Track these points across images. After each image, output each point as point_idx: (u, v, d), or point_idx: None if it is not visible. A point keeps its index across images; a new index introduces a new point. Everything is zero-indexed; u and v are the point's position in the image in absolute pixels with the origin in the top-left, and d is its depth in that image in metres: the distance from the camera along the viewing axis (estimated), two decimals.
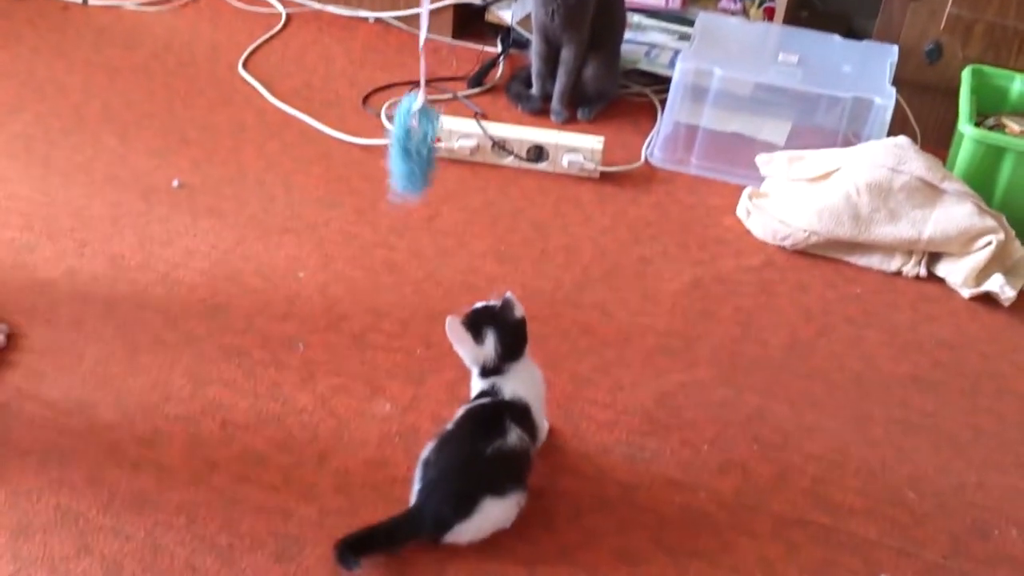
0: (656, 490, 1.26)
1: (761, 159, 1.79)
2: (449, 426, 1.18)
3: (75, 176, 1.74)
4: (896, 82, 1.82)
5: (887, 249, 1.66)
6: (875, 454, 1.34)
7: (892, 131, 1.76)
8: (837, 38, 1.94)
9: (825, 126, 1.86)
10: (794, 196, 1.72)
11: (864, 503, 1.27)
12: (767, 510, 1.25)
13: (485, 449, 1.13)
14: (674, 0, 2.13)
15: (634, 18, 2.10)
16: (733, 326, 1.54)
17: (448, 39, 2.25)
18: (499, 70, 2.14)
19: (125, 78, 2.03)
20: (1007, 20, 1.82)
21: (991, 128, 1.76)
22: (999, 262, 1.61)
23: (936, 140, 1.91)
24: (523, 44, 2.13)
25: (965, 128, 1.68)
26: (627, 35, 2.07)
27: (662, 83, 2.05)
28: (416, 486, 1.16)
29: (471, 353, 1.20)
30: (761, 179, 1.81)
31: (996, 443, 1.38)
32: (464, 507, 1.13)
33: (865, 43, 1.93)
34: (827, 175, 1.69)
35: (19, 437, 1.26)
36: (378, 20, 2.29)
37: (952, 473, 1.32)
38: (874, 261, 1.67)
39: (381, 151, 1.88)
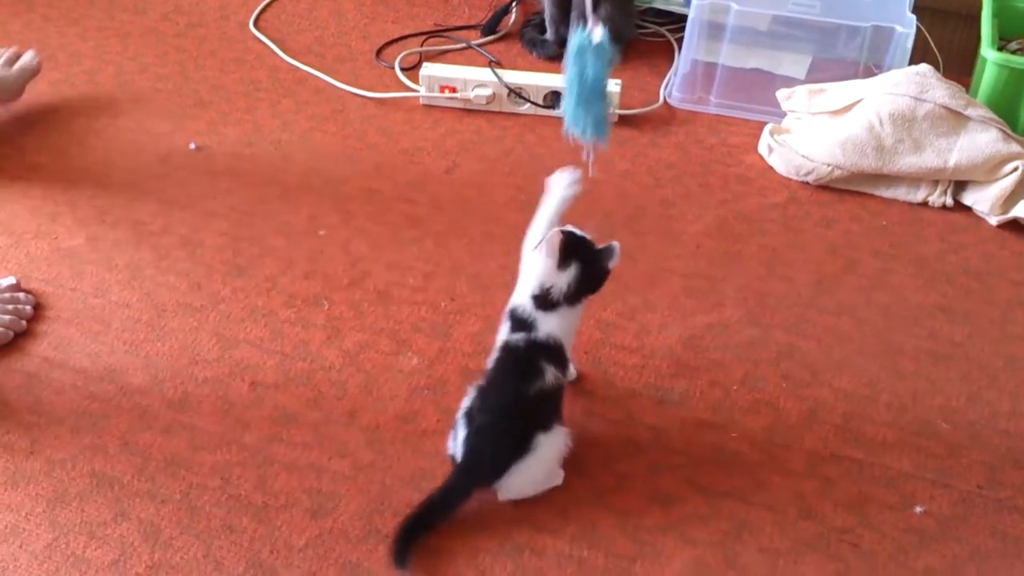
0: (687, 432, 1.26)
1: (782, 94, 1.75)
2: (488, 370, 1.17)
3: (91, 143, 1.74)
4: (916, 9, 1.77)
5: (912, 180, 1.63)
6: (906, 387, 1.33)
7: (913, 59, 1.72)
8: None
9: (846, 57, 1.82)
10: (816, 130, 1.69)
11: (897, 436, 1.26)
12: (799, 447, 1.25)
13: (528, 391, 1.13)
14: None
15: None
16: (758, 265, 1.52)
17: None
18: (512, 17, 2.11)
19: (137, 42, 2.02)
20: None
21: (1014, 52, 1.72)
22: None
23: (959, 67, 1.87)
24: None
25: (988, 53, 1.64)
26: None
27: (678, 22, 2.02)
28: (461, 435, 1.13)
29: (548, 273, 1.14)
30: (782, 115, 1.78)
31: None
32: (519, 446, 1.12)
33: None
34: (849, 107, 1.66)
35: (50, 406, 1.27)
36: None
37: (984, 402, 1.31)
38: (899, 192, 1.64)
39: (396, 104, 1.88)
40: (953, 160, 1.58)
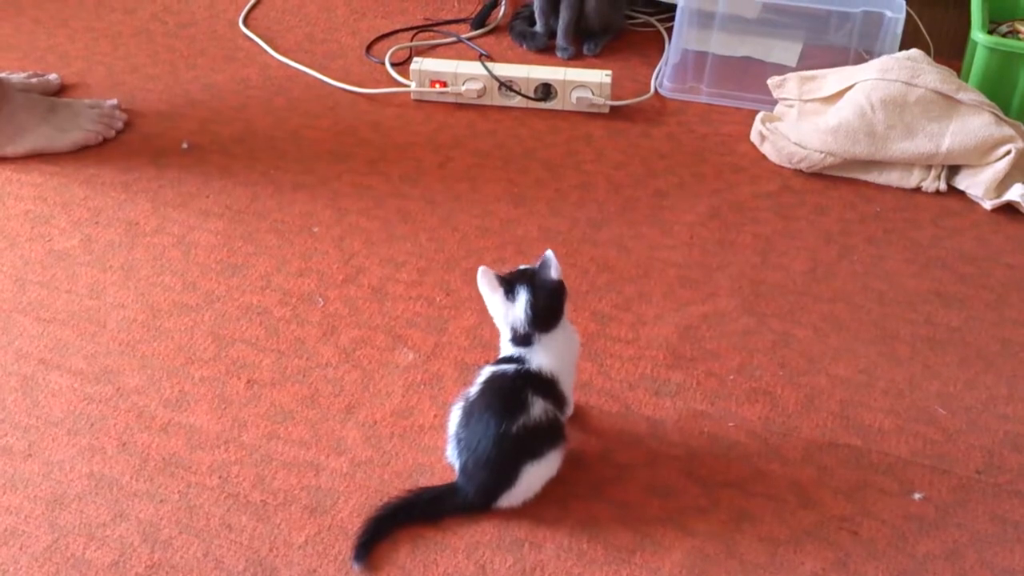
0: (684, 423, 1.26)
1: (773, 81, 1.75)
2: (471, 393, 1.12)
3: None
4: None
5: (905, 165, 1.63)
6: (903, 373, 1.33)
7: (904, 44, 1.72)
8: None
9: (836, 44, 1.82)
10: (808, 118, 1.69)
11: (894, 423, 1.27)
12: (797, 435, 1.25)
13: (511, 427, 1.08)
14: None
15: None
16: (752, 254, 1.52)
17: None
18: (501, 10, 2.11)
19: (127, 43, 2.02)
20: None
21: (1004, 35, 1.72)
22: (1019, 171, 1.58)
23: (950, 51, 1.87)
24: None
25: (978, 36, 1.64)
26: None
27: (668, 11, 2.01)
28: (454, 461, 1.13)
29: (500, 310, 1.11)
30: (774, 102, 1.77)
31: None
32: (506, 478, 1.10)
33: None
34: (840, 94, 1.66)
35: (47, 408, 1.27)
36: None
37: (981, 387, 1.32)
38: (892, 178, 1.64)
39: (387, 100, 1.87)
40: (945, 145, 1.58)
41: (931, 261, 1.51)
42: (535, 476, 1.12)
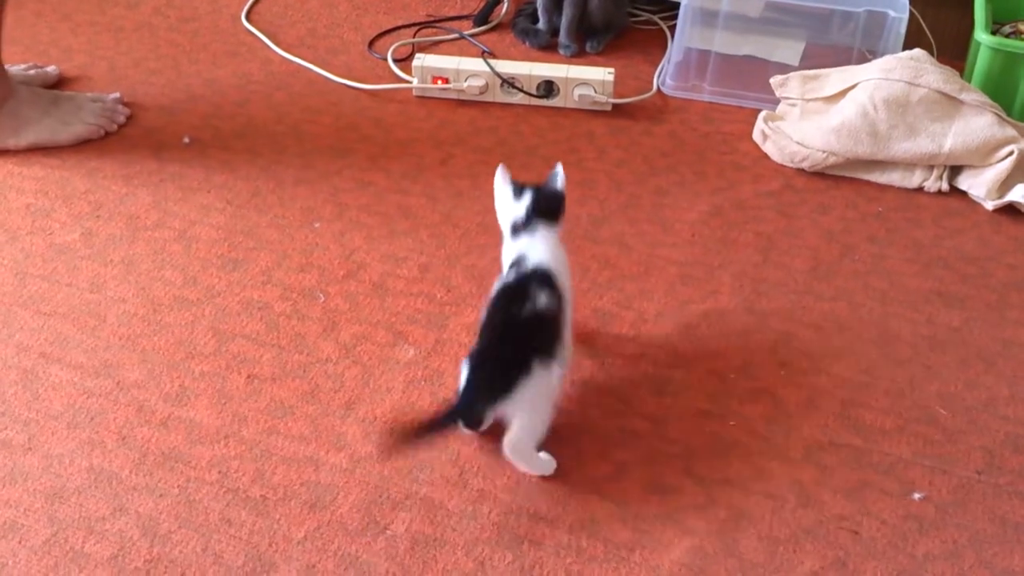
0: (685, 421, 1.26)
1: (775, 80, 1.75)
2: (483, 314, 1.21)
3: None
4: None
5: (907, 165, 1.63)
6: (904, 373, 1.33)
7: (907, 44, 1.72)
8: None
9: (839, 43, 1.82)
10: (810, 117, 1.69)
11: (895, 423, 1.26)
12: (798, 435, 1.25)
13: (520, 313, 1.15)
14: None
15: None
16: (754, 252, 1.52)
17: None
18: (504, 6, 2.10)
19: (129, 37, 2.02)
20: None
21: (1008, 35, 1.72)
22: (1022, 172, 1.58)
23: (953, 51, 1.86)
24: None
25: (981, 36, 1.64)
26: None
27: (671, 9, 2.01)
28: (464, 373, 1.16)
29: (507, 207, 1.26)
30: (776, 101, 1.77)
31: None
32: (520, 365, 1.11)
33: None
34: (843, 93, 1.66)
35: (47, 402, 1.27)
36: None
37: (982, 387, 1.31)
38: (895, 178, 1.64)
39: (389, 96, 1.87)
40: (948, 145, 1.58)
41: (932, 261, 1.51)
42: (543, 383, 1.13)
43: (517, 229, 1.24)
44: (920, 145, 1.59)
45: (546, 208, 1.24)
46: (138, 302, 1.41)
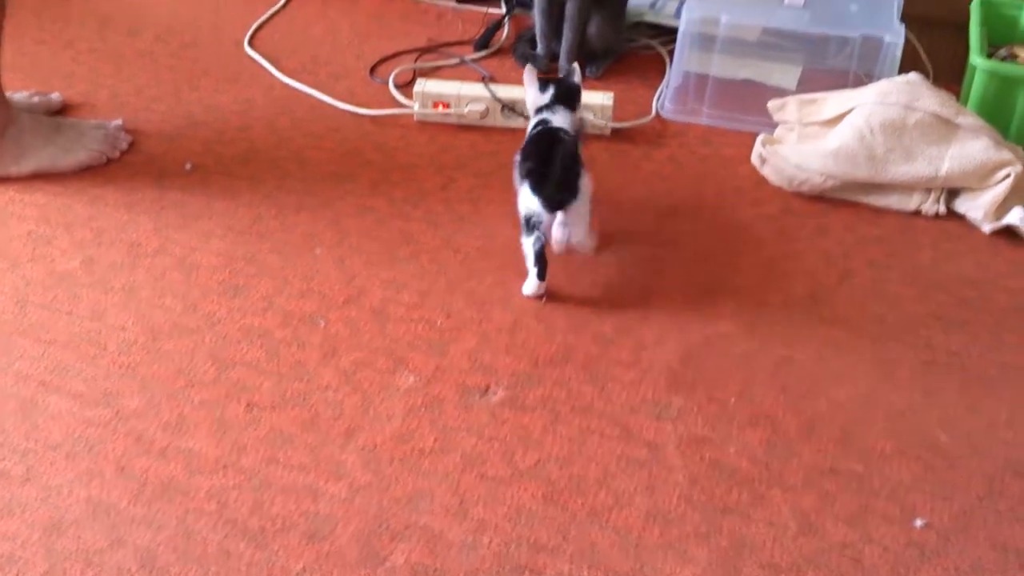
0: (685, 448, 1.26)
1: (773, 105, 1.76)
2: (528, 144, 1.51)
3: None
4: (905, 18, 1.77)
5: (905, 188, 1.63)
6: (903, 397, 1.33)
7: (903, 68, 1.73)
8: None
9: (836, 67, 1.83)
10: (808, 140, 1.69)
11: (896, 448, 1.26)
12: (799, 461, 1.25)
13: (563, 142, 1.47)
14: None
15: None
16: (754, 276, 1.52)
17: (452, 3, 2.23)
18: (504, 32, 2.12)
19: (131, 64, 2.03)
20: None
21: (1003, 59, 1.73)
22: (1018, 195, 1.58)
23: (949, 75, 1.87)
24: (527, 4, 2.10)
25: (977, 60, 1.65)
26: None
27: (669, 34, 2.02)
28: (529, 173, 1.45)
29: (533, 97, 1.56)
30: (774, 125, 1.78)
31: None
32: (577, 176, 1.45)
33: None
34: (840, 117, 1.67)
35: (46, 432, 1.27)
36: None
37: (982, 412, 1.31)
38: (892, 201, 1.64)
39: (391, 121, 1.88)
40: (945, 168, 1.59)
41: (931, 285, 1.51)
42: (588, 188, 1.46)
43: (542, 110, 1.54)
44: (917, 168, 1.60)
45: (566, 95, 1.55)
46: (138, 330, 1.42)
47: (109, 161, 1.73)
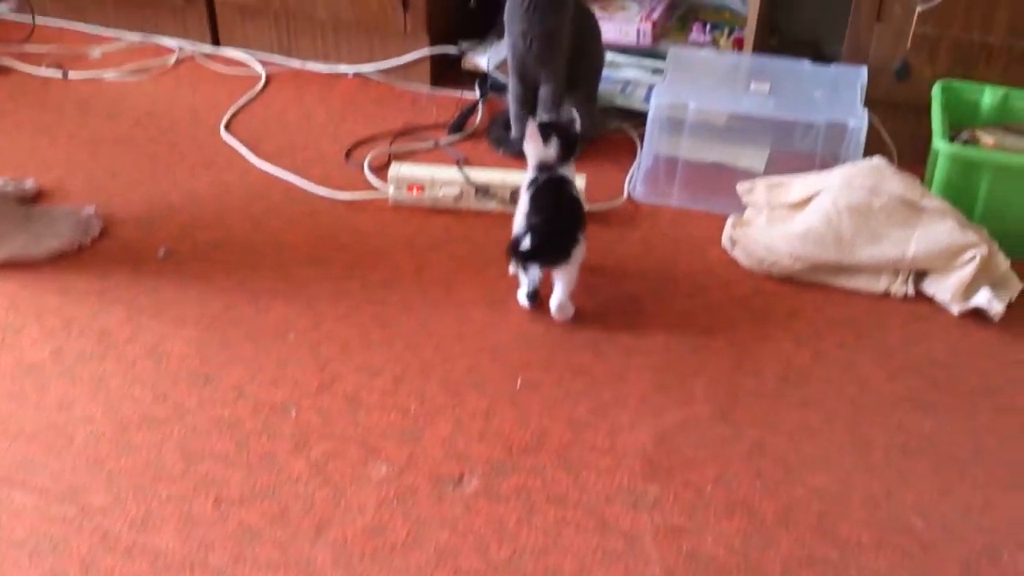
0: (661, 538, 1.25)
1: (742, 187, 1.79)
2: (526, 195, 1.59)
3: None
4: (868, 103, 1.82)
5: (873, 270, 1.65)
6: (878, 482, 1.33)
7: (868, 150, 1.76)
8: (807, 64, 1.94)
9: (802, 150, 1.86)
10: (777, 223, 1.72)
11: (872, 535, 1.26)
12: (776, 550, 1.23)
13: (572, 192, 1.59)
14: (645, 37, 2.15)
15: (608, 56, 2.11)
16: (727, 359, 1.53)
17: (427, 88, 2.27)
18: (478, 115, 2.15)
19: (108, 149, 2.04)
20: (972, 35, 1.82)
21: (965, 142, 1.76)
22: (985, 276, 1.60)
23: (913, 157, 1.91)
24: (500, 88, 2.13)
25: (939, 144, 1.69)
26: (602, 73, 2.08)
27: (640, 117, 2.06)
28: (527, 221, 1.56)
29: (537, 151, 1.58)
30: (743, 207, 1.81)
31: (998, 462, 1.36)
32: (573, 237, 1.54)
33: (834, 66, 1.93)
34: (807, 200, 1.69)
35: (9, 529, 1.24)
36: (357, 74, 2.31)
37: (957, 496, 1.31)
38: (861, 283, 1.66)
39: (366, 204, 1.89)
40: (912, 250, 1.61)
41: (902, 366, 1.52)
42: (581, 250, 1.56)
43: (545, 168, 1.59)
44: (884, 251, 1.62)
45: (571, 149, 1.61)
46: (106, 422, 1.40)
47: (82, 248, 1.73)
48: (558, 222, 1.55)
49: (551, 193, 1.58)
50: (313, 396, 1.45)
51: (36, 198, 1.87)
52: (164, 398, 1.44)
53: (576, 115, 1.62)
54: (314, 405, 1.43)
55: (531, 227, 1.54)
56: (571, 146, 1.60)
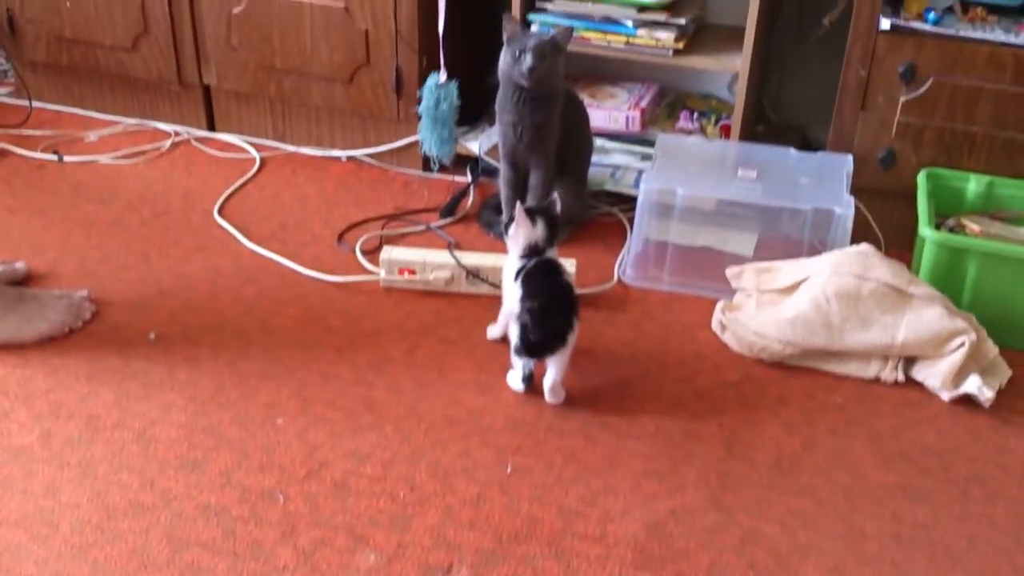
0: None
1: (731, 272, 1.81)
2: (518, 280, 1.60)
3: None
4: (854, 190, 1.85)
5: (863, 356, 1.66)
6: (871, 572, 1.31)
7: (855, 236, 1.79)
8: (792, 151, 1.99)
9: (790, 235, 1.89)
10: (766, 308, 1.73)
11: None
12: None
13: (566, 279, 1.62)
14: (634, 123, 2.19)
15: (597, 142, 2.16)
16: (718, 445, 1.53)
17: (419, 172, 2.30)
18: (470, 199, 2.18)
19: (101, 232, 2.05)
20: (955, 124, 1.87)
21: (951, 230, 1.79)
22: (975, 362, 1.61)
23: (900, 243, 1.94)
24: (492, 172, 2.17)
25: (925, 232, 1.71)
26: (592, 158, 2.11)
27: (629, 202, 2.09)
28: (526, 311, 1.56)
29: (526, 234, 1.61)
30: (733, 291, 1.82)
31: (991, 550, 1.35)
32: (569, 322, 1.57)
33: (820, 154, 1.98)
34: (796, 285, 1.71)
35: None
36: (350, 158, 2.34)
37: None
38: (851, 368, 1.67)
39: (357, 287, 1.90)
40: (901, 336, 1.62)
41: (894, 454, 1.52)
42: (575, 335, 1.58)
43: (533, 252, 1.62)
44: (873, 336, 1.63)
45: (555, 232, 1.64)
46: (92, 508, 1.38)
47: (72, 331, 1.73)
48: (555, 310, 1.56)
49: (544, 278, 1.59)
50: (301, 482, 1.43)
51: (27, 281, 1.88)
52: (151, 484, 1.42)
53: (557, 198, 1.65)
54: (302, 491, 1.42)
55: (531, 315, 1.55)
56: (555, 228, 1.63)
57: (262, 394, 1.61)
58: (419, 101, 2.08)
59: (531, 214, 1.62)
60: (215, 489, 1.42)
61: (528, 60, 1.83)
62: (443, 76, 2.00)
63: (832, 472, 1.48)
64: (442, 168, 2.25)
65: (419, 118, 2.07)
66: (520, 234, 1.62)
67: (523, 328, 1.56)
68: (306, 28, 2.19)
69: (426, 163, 2.29)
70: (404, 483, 1.44)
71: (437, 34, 2.09)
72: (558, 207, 1.65)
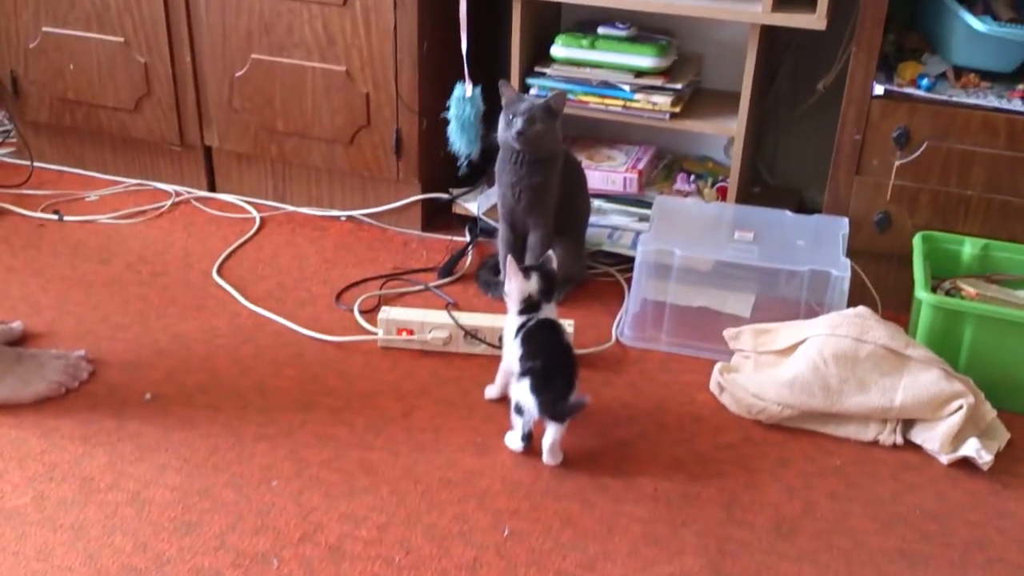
0: None
1: (728, 333, 1.81)
2: (517, 339, 1.61)
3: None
4: (850, 252, 1.86)
5: (861, 418, 1.66)
6: None
7: (852, 298, 1.80)
8: (789, 213, 2.00)
9: (788, 297, 1.90)
10: (764, 370, 1.73)
11: None
12: None
13: (561, 341, 1.62)
14: (631, 185, 2.21)
15: (595, 203, 2.17)
16: (717, 509, 1.51)
17: (417, 232, 2.32)
18: (468, 259, 2.19)
19: (99, 292, 2.06)
20: (950, 187, 1.89)
21: (947, 292, 1.80)
22: (973, 425, 1.61)
23: (897, 305, 1.95)
24: (490, 233, 2.19)
25: (921, 295, 1.72)
26: (590, 219, 2.13)
27: (627, 262, 2.10)
28: (529, 376, 1.56)
29: (519, 287, 1.62)
30: (731, 352, 1.82)
31: None
32: (572, 381, 1.57)
33: (816, 216, 1.99)
34: (794, 347, 1.71)
35: None
36: (349, 218, 2.36)
37: None
38: (850, 431, 1.67)
39: (355, 347, 1.90)
40: (899, 399, 1.62)
41: (893, 518, 1.51)
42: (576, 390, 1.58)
43: (528, 307, 1.63)
44: (872, 399, 1.63)
45: (550, 287, 1.64)
46: (85, 571, 1.36)
47: (68, 392, 1.73)
48: (558, 372, 1.56)
49: (545, 339, 1.60)
50: (295, 546, 1.42)
51: (24, 340, 1.87)
52: (144, 547, 1.41)
53: (552, 255, 1.66)
54: (296, 555, 1.40)
55: (533, 377, 1.55)
56: (551, 282, 1.63)
57: (258, 456, 1.60)
58: (447, 109, 2.13)
59: (526, 270, 1.63)
60: (208, 552, 1.40)
61: (518, 124, 1.86)
62: (468, 88, 2.07)
63: (832, 537, 1.47)
64: (440, 228, 2.27)
65: (447, 123, 2.13)
66: (513, 288, 1.63)
67: (540, 391, 1.55)
68: (308, 91, 2.23)
69: (425, 222, 2.31)
70: (400, 547, 1.42)
71: (460, 56, 2.11)
72: (554, 263, 1.65)
